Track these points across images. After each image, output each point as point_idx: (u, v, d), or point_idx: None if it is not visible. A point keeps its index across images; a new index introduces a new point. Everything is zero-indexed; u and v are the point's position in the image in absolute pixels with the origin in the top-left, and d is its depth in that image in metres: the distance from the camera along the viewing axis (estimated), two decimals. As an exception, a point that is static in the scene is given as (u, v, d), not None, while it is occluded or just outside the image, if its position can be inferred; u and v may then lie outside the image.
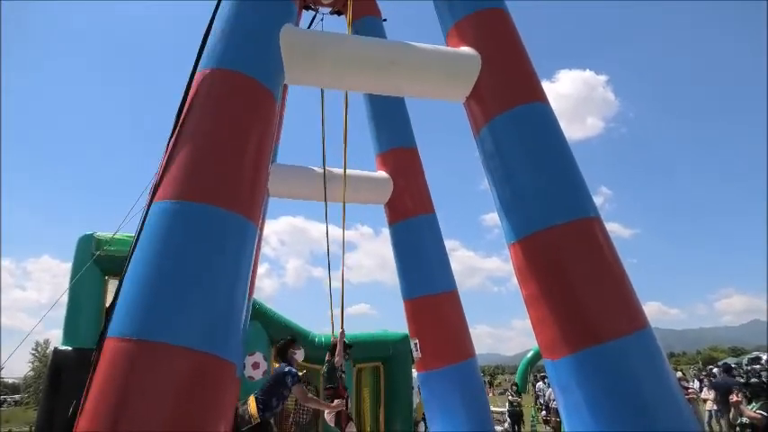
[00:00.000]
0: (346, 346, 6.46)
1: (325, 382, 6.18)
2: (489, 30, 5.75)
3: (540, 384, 20.06)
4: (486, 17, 5.81)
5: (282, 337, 5.80)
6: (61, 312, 8.57)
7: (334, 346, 6.38)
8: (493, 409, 12.83)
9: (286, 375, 5.34)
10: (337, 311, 6.76)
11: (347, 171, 7.69)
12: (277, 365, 10.00)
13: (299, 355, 5.67)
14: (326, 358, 6.42)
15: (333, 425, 6.05)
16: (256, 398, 5.28)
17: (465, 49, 5.73)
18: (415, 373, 10.56)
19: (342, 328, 6.46)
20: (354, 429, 6.15)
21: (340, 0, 9.31)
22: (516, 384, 19.13)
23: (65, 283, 8.71)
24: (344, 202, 7.40)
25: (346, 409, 6.03)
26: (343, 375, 6.20)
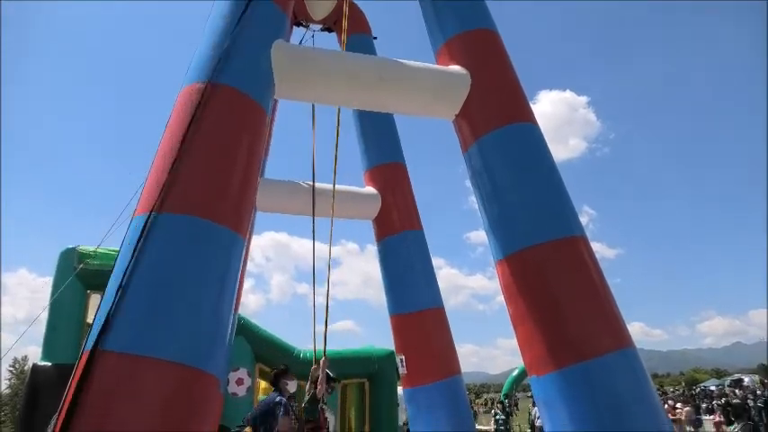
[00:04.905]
0: (330, 379, 5.83)
1: (307, 414, 5.66)
2: (479, 49, 5.84)
3: (536, 410, 19.83)
4: (476, 37, 5.90)
5: (276, 366, 5.67)
6: (40, 328, 8.40)
7: (316, 378, 5.72)
8: (478, 427, 12.76)
9: (277, 406, 5.25)
10: (321, 331, 6.04)
11: (336, 187, 7.68)
12: (261, 381, 9.82)
13: (291, 385, 5.49)
14: (307, 389, 5.83)
15: None
16: (251, 423, 5.21)
17: (455, 67, 5.81)
18: (400, 389, 10.49)
19: (324, 355, 5.81)
20: None
21: (331, 17, 9.41)
22: (502, 403, 19.03)
23: (43, 297, 8.54)
24: (333, 219, 7.38)
25: None
26: (324, 407, 5.75)
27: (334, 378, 6.04)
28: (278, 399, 5.33)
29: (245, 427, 5.25)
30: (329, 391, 5.80)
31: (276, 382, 5.52)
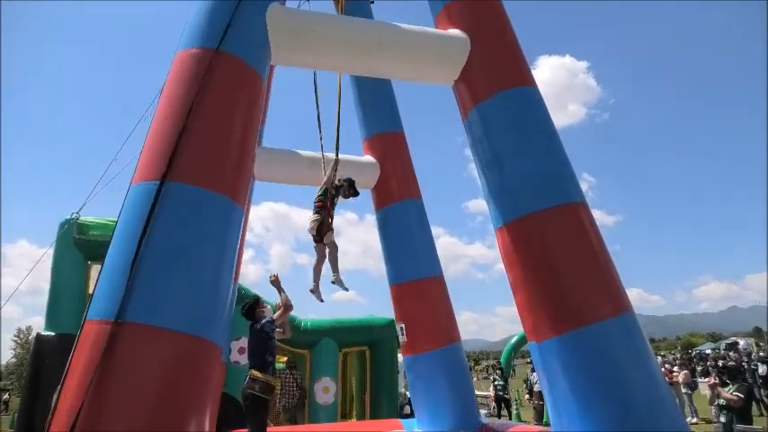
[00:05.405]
0: (351, 186, 6.67)
1: (317, 197, 6.46)
2: (479, 13, 5.70)
3: (534, 376, 20.12)
4: (475, 0, 5.75)
5: (246, 301, 5.72)
6: (43, 299, 8.48)
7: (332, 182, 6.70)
8: (477, 392, 12.98)
9: (264, 326, 5.34)
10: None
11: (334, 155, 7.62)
12: None
13: (267, 312, 5.62)
14: (323, 183, 6.69)
15: (313, 233, 6.26)
16: (253, 366, 5.26)
17: (454, 31, 5.68)
18: (401, 356, 10.65)
19: (336, 156, 6.94)
20: (333, 238, 6.36)
21: (327, -19, 9.16)
22: (501, 369, 19.28)
23: (45, 269, 8.58)
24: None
25: (330, 221, 6.37)
26: (334, 194, 6.53)
27: (356, 191, 6.78)
28: (259, 325, 5.37)
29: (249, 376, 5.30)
30: (345, 194, 6.66)
31: (253, 315, 5.53)
